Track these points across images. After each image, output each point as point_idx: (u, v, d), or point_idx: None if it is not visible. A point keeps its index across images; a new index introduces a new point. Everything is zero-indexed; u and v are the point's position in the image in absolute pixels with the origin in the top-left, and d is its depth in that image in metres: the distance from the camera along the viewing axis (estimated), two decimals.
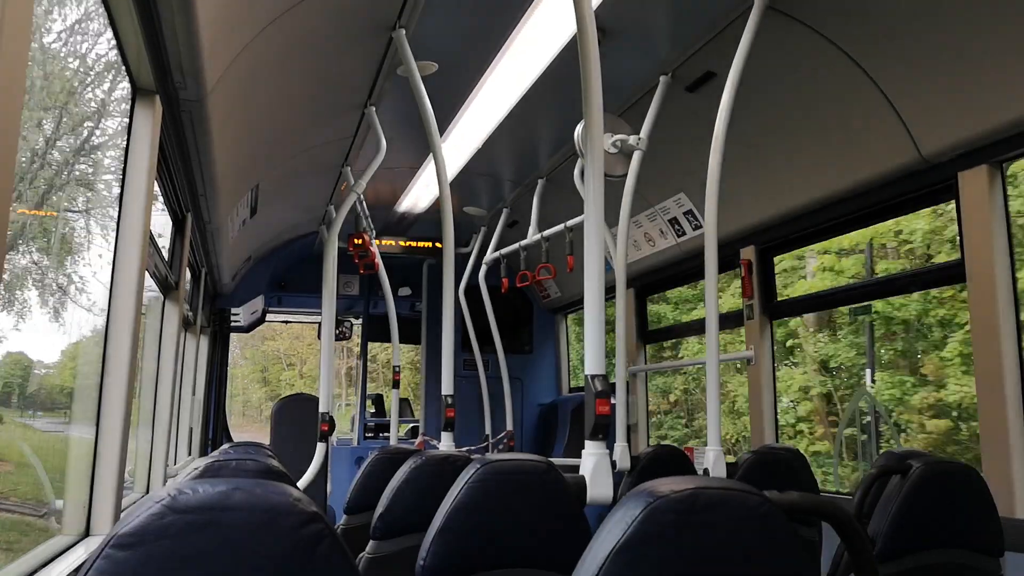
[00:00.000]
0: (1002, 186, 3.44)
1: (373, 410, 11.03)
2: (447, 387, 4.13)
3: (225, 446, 3.47)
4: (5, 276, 1.36)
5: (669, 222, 5.62)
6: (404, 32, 3.80)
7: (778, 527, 1.15)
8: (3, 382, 2.72)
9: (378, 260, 6.17)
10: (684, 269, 5.92)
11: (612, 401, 2.87)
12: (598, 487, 2.55)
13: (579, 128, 3.76)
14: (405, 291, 8.54)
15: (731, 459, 4.21)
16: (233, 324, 8.45)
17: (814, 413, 12.03)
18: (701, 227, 5.27)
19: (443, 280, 4.18)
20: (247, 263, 7.72)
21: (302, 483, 4.99)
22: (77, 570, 2.16)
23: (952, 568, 2.39)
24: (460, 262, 6.97)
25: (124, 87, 2.75)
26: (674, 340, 11.53)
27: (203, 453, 7.31)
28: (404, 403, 11.05)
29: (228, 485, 1.11)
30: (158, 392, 4.41)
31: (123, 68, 2.66)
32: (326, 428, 5.21)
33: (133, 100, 2.79)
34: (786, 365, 12.21)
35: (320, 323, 6.63)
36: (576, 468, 2.61)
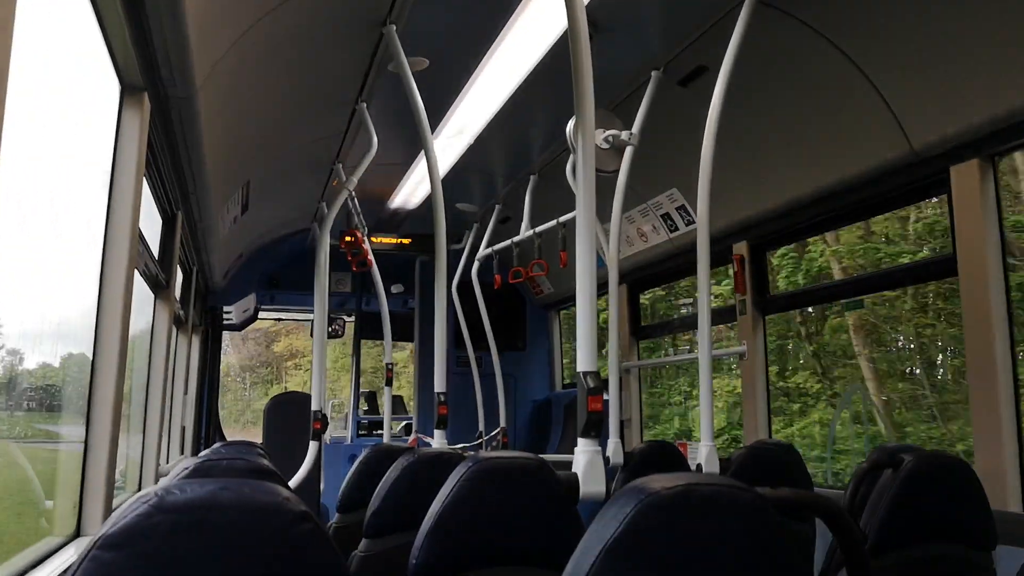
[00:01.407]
0: (994, 180, 3.44)
1: (366, 407, 11.02)
2: (440, 384, 4.12)
3: (216, 445, 3.46)
4: None
5: (661, 217, 5.62)
6: (394, 28, 3.79)
7: (770, 523, 1.15)
8: None
9: (370, 257, 6.16)
10: (677, 264, 5.92)
11: (605, 397, 2.87)
12: (591, 484, 2.55)
13: (571, 124, 3.75)
14: (398, 288, 8.53)
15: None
16: (225, 322, 8.43)
17: None
18: (693, 222, 5.28)
19: (435, 277, 4.17)
20: (239, 261, 7.70)
21: (294, 482, 4.98)
22: (67, 571, 2.15)
23: (944, 561, 2.39)
24: (452, 258, 6.96)
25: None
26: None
27: (195, 452, 7.30)
28: (397, 400, 11.03)
29: (216, 485, 1.10)
30: (149, 391, 4.39)
31: (110, 65, 2.64)
32: (319, 426, 5.20)
33: (121, 98, 2.77)
34: None
35: (312, 321, 6.61)
36: (569, 464, 2.60)
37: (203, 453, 2.70)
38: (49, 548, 2.40)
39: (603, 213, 4.39)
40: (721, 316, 5.48)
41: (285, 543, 1.11)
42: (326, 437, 5.93)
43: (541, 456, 2.03)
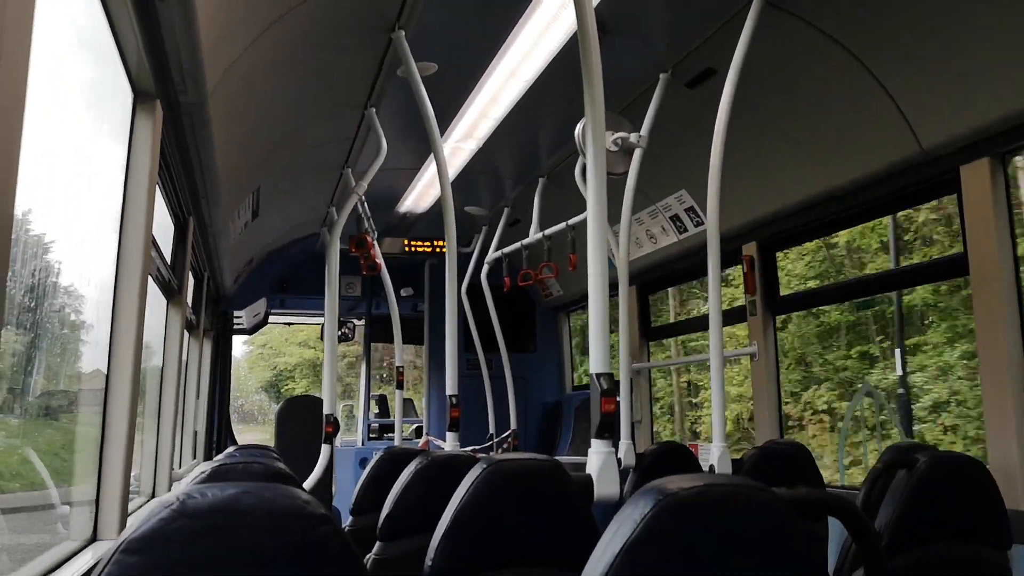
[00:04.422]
0: (1004, 179, 3.43)
1: (377, 411, 11.04)
2: (451, 387, 4.13)
3: (230, 449, 3.47)
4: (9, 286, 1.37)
5: (671, 219, 5.62)
6: (403, 33, 3.80)
7: (787, 522, 1.15)
8: None
9: (380, 261, 6.17)
10: (686, 266, 5.92)
11: (617, 399, 2.87)
12: (604, 485, 2.55)
13: (580, 126, 3.76)
14: (407, 291, 8.55)
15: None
16: (236, 327, 8.46)
17: None
18: (703, 223, 5.27)
19: (446, 280, 4.19)
20: (249, 266, 7.72)
21: (307, 485, 4.99)
22: (86, 574, 2.16)
23: (959, 561, 2.39)
24: (462, 262, 6.97)
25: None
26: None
27: (207, 456, 7.32)
28: (408, 403, 11.05)
29: (237, 489, 1.11)
30: (162, 395, 4.41)
31: (123, 73, 2.66)
32: (330, 430, 5.22)
33: (134, 105, 2.79)
34: None
35: (323, 325, 6.63)
36: (582, 466, 2.61)
37: (218, 457, 2.72)
38: (66, 553, 2.42)
39: (612, 215, 4.39)
40: (731, 317, 5.47)
41: (306, 546, 1.12)
42: (337, 440, 5.95)
43: (555, 458, 2.03)
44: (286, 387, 31.13)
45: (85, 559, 2.38)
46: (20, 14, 1.35)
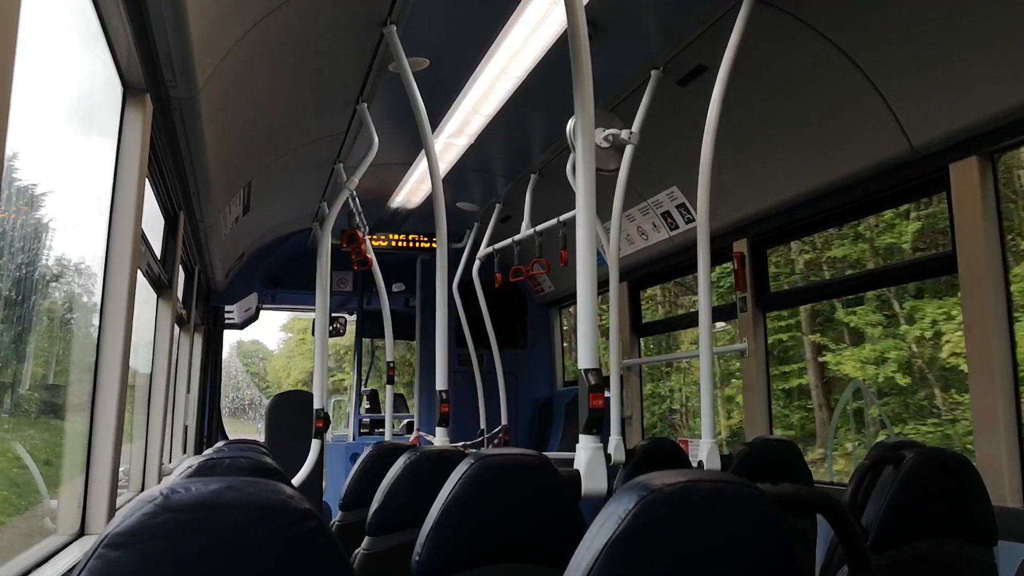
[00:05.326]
0: (993, 177, 3.45)
1: (368, 406, 11.03)
2: (441, 382, 4.13)
3: (219, 444, 3.47)
4: None
5: (662, 215, 5.62)
6: (395, 28, 3.80)
7: (771, 519, 1.15)
8: None
9: (371, 256, 6.16)
10: (677, 262, 5.93)
11: (606, 395, 2.88)
12: (592, 480, 2.56)
13: (571, 123, 3.76)
14: (399, 287, 8.54)
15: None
16: (227, 322, 8.45)
17: None
18: (694, 220, 5.28)
19: (437, 275, 4.18)
20: (240, 260, 7.70)
21: (297, 480, 4.99)
22: (72, 570, 2.16)
23: (945, 557, 2.41)
24: (453, 257, 6.96)
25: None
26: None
27: (198, 451, 7.31)
28: (399, 399, 11.05)
29: (221, 483, 1.12)
30: (152, 390, 4.41)
31: (113, 67, 2.65)
32: (321, 425, 5.21)
33: (123, 99, 2.78)
34: None
35: (314, 319, 6.62)
36: (571, 462, 2.61)
37: (206, 452, 2.72)
38: (54, 547, 2.41)
39: (603, 211, 4.40)
40: (722, 313, 5.49)
41: (289, 541, 1.12)
42: (328, 436, 5.94)
43: (543, 453, 2.04)
44: (333, 377, 28.73)
45: (72, 554, 2.37)
46: (5, 8, 1.34)
